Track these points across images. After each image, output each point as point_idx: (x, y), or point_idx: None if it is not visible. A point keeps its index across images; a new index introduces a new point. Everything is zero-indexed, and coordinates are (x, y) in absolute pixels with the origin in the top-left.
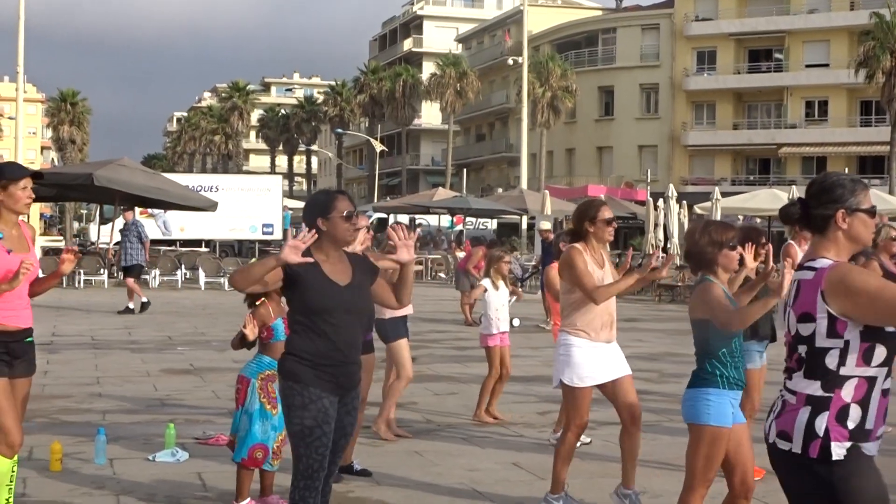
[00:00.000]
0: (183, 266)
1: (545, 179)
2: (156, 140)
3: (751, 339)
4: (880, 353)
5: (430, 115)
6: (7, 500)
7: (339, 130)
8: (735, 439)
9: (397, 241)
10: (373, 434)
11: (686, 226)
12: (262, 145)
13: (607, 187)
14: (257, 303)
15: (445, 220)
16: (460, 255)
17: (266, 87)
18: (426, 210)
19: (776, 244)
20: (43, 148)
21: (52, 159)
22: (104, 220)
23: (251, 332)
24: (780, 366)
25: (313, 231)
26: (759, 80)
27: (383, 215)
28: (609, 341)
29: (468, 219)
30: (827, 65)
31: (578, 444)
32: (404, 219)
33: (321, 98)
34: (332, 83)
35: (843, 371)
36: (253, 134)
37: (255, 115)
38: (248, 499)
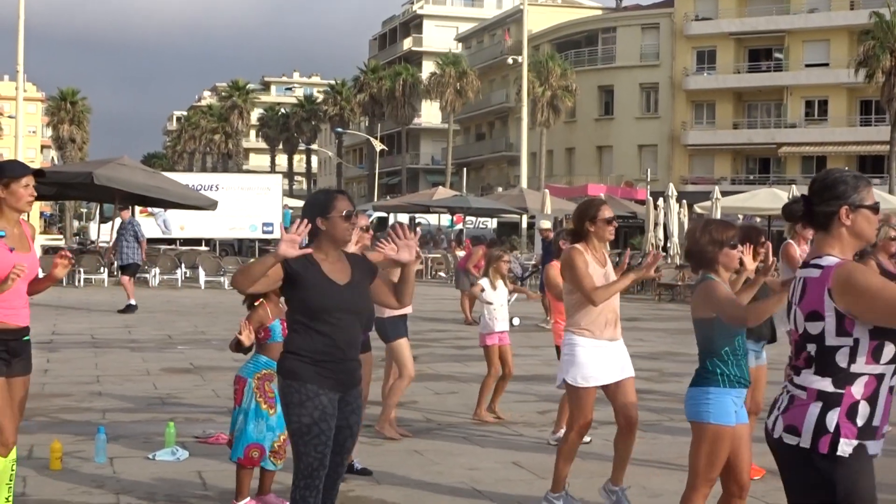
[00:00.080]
0: (183, 265)
1: (545, 179)
2: (156, 139)
3: (747, 338)
4: (889, 350)
5: (429, 114)
6: (7, 498)
7: (339, 129)
8: (735, 438)
9: (398, 241)
10: (373, 433)
11: (686, 225)
12: (262, 144)
13: (607, 186)
14: (255, 303)
15: (445, 219)
16: (460, 254)
17: (266, 86)
18: (426, 209)
19: (775, 243)
20: (43, 147)
21: (52, 158)
22: (104, 219)
23: (247, 339)
24: (781, 365)
25: (305, 222)
26: (759, 79)
27: (383, 214)
28: (613, 339)
29: (468, 218)
30: (827, 64)
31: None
32: (404, 218)
33: (321, 97)
34: (332, 82)
35: (853, 368)
36: (253, 133)
37: (255, 114)
38: (248, 498)
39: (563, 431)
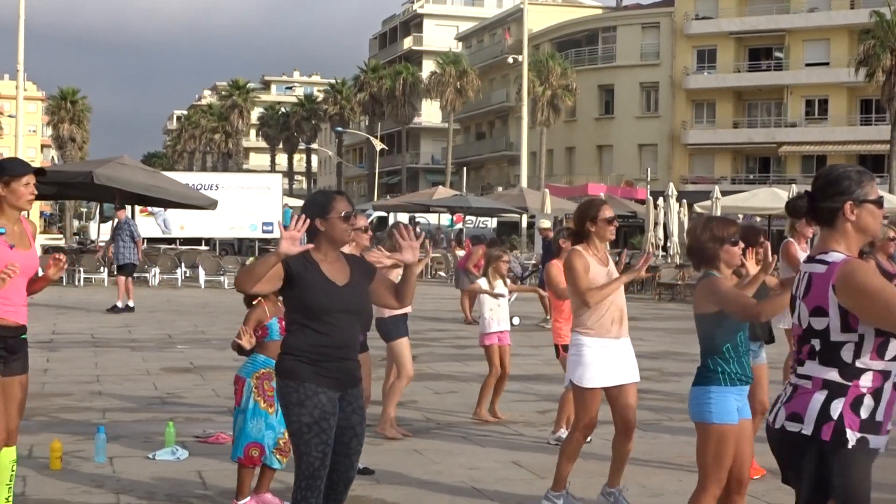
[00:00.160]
0: (183, 264)
1: (545, 178)
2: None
3: None
4: (894, 346)
5: (430, 113)
6: (7, 498)
7: (339, 129)
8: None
9: (402, 242)
10: (374, 433)
11: (686, 225)
12: (262, 143)
13: (607, 186)
14: (254, 302)
15: (445, 218)
16: (460, 253)
17: (266, 86)
18: (426, 208)
19: (775, 243)
20: (43, 146)
21: (53, 157)
22: (104, 219)
23: (247, 343)
24: (781, 365)
25: (304, 217)
26: (760, 78)
27: (383, 214)
28: (620, 337)
29: (468, 217)
30: (827, 63)
31: None
32: (404, 217)
33: (321, 96)
34: (333, 81)
35: (858, 364)
36: (253, 132)
37: (256, 113)
38: (249, 497)
39: (562, 431)
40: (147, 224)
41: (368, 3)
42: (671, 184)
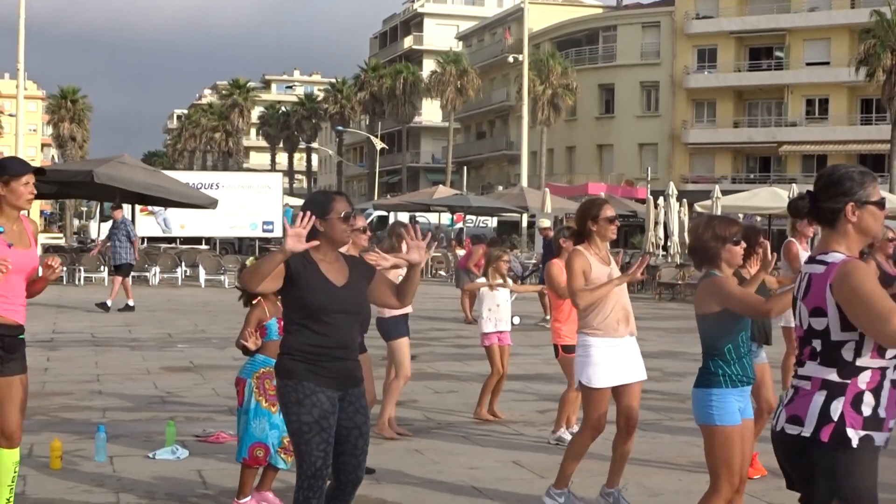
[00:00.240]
0: (183, 263)
1: (545, 177)
2: (156, 137)
3: None
4: None
5: (430, 112)
6: (8, 499)
7: (340, 128)
8: None
9: (409, 242)
10: (374, 433)
11: (686, 224)
12: (263, 143)
13: (608, 185)
14: (254, 302)
15: (445, 217)
16: (460, 252)
17: (266, 85)
18: (426, 208)
19: (776, 242)
20: (43, 145)
21: (53, 156)
22: (104, 218)
23: (253, 345)
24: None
25: (309, 214)
26: (760, 78)
27: (384, 213)
28: (627, 335)
29: (468, 217)
30: (827, 63)
31: None
32: (404, 217)
33: (322, 95)
34: (333, 80)
35: (859, 362)
36: (253, 131)
37: (256, 112)
38: (250, 497)
39: (563, 431)
40: (147, 223)
41: (369, 3)
42: (671, 183)
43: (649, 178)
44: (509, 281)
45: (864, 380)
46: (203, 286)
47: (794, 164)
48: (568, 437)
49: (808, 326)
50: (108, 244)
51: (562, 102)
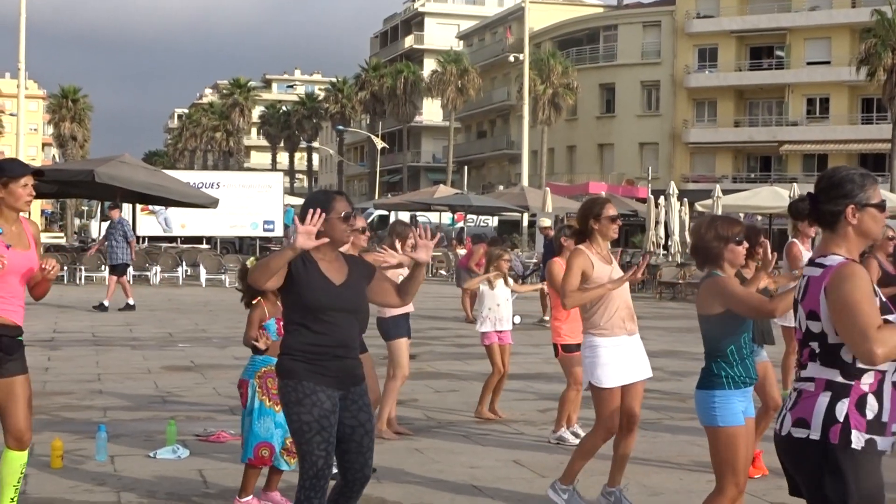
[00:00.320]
0: (184, 263)
1: (546, 176)
2: (157, 137)
3: None
4: None
5: (431, 112)
6: (12, 498)
7: (341, 127)
8: None
9: (418, 241)
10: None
11: (687, 223)
12: (264, 142)
13: (608, 184)
14: (254, 302)
15: (446, 217)
16: (461, 252)
17: (267, 84)
18: (427, 207)
19: (777, 242)
20: (44, 144)
21: (54, 156)
22: (105, 217)
23: (262, 345)
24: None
25: (319, 211)
26: (761, 77)
27: (384, 212)
28: (631, 333)
29: (469, 216)
30: (828, 62)
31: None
32: (405, 216)
33: (322, 95)
34: (334, 80)
35: (859, 364)
36: (254, 131)
37: (257, 111)
38: (251, 496)
39: (563, 430)
40: (148, 222)
41: (370, 2)
42: (672, 182)
43: (650, 178)
44: (510, 280)
45: (866, 381)
46: (204, 285)
47: (794, 164)
48: (568, 436)
49: (806, 329)
50: (106, 244)
51: (562, 102)
